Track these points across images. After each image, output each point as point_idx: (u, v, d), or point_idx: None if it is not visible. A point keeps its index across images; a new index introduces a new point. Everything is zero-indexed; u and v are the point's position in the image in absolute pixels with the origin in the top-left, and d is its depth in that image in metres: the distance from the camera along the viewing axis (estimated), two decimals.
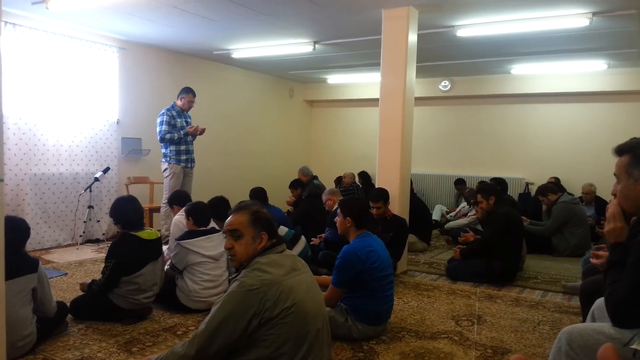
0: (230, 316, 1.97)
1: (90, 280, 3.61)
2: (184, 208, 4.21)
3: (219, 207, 4.19)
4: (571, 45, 6.37)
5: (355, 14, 5.27)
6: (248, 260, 2.16)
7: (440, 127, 9.44)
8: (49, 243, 5.98)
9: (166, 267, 3.81)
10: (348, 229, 3.29)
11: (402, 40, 4.95)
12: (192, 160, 6.06)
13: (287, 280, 2.08)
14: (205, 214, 3.94)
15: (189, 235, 3.75)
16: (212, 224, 3.99)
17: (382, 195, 4.82)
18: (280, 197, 7.84)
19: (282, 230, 4.49)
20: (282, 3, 5.00)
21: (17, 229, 2.90)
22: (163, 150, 5.93)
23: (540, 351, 3.12)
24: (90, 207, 6.05)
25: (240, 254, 2.19)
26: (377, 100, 5.18)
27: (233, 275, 2.17)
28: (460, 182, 8.63)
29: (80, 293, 3.73)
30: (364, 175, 8.90)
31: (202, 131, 5.94)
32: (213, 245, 3.72)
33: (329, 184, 8.38)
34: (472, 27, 5.51)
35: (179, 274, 3.74)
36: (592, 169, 7.70)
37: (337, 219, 3.34)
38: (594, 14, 4.94)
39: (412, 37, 5.04)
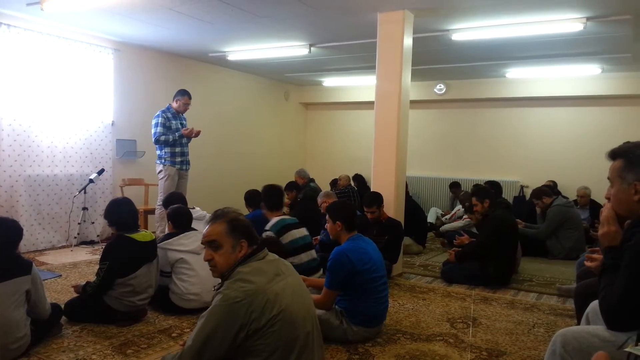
0: (216, 331, 1.94)
1: (84, 282, 3.59)
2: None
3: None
4: (565, 49, 6.41)
5: (350, 17, 5.29)
6: (229, 270, 2.11)
7: (436, 130, 9.47)
8: (43, 244, 5.95)
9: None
10: (339, 233, 3.31)
11: (398, 44, 4.97)
12: (187, 162, 6.05)
13: (271, 287, 2.03)
14: (185, 219, 3.95)
15: (166, 237, 3.80)
16: (194, 226, 4.01)
17: (376, 199, 4.84)
18: None
19: (298, 233, 4.27)
20: (278, 6, 5.01)
21: (9, 230, 2.88)
22: (158, 152, 5.91)
23: (535, 354, 3.13)
24: (84, 208, 6.02)
25: (220, 264, 2.14)
26: (372, 103, 5.19)
27: (216, 287, 2.12)
28: (455, 186, 8.65)
29: (75, 295, 3.71)
30: (358, 178, 8.91)
31: (197, 133, 5.93)
32: (191, 240, 3.74)
33: (324, 187, 8.38)
34: (467, 31, 5.54)
35: (169, 277, 3.74)
36: (586, 172, 7.74)
37: (327, 225, 3.37)
38: (587, 18, 4.98)
39: (408, 41, 5.05)
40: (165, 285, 3.75)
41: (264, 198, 4.40)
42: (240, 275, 2.04)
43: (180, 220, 3.88)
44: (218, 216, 2.21)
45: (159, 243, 3.76)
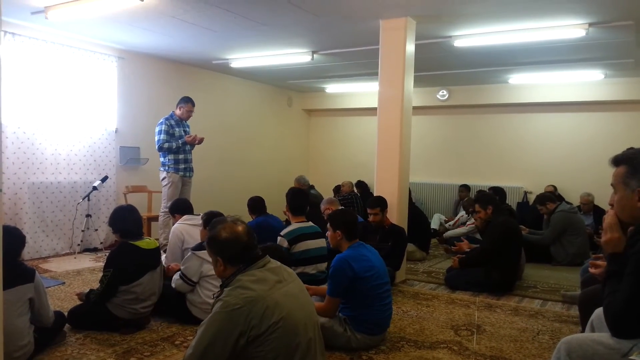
0: (217, 338, 1.95)
1: (88, 290, 3.59)
2: (195, 217, 4.11)
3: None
4: (568, 55, 6.41)
5: (353, 24, 5.30)
6: (228, 278, 2.13)
7: (439, 136, 9.47)
8: (46, 252, 5.96)
9: (175, 281, 3.68)
10: (339, 242, 3.29)
11: (400, 50, 4.98)
12: (191, 170, 6.06)
13: (272, 294, 2.04)
14: None
15: (202, 246, 3.67)
16: None
17: (380, 202, 4.85)
18: (279, 206, 7.83)
19: (315, 244, 4.27)
20: (281, 13, 5.03)
21: (12, 238, 2.86)
22: (161, 159, 5.93)
23: None
24: (88, 215, 6.03)
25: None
26: (375, 109, 5.20)
27: (216, 295, 2.13)
28: (464, 188, 8.60)
29: (78, 302, 3.71)
30: (361, 185, 8.90)
31: (201, 140, 5.95)
32: None
33: (327, 193, 8.38)
34: (469, 37, 5.55)
35: (192, 286, 3.62)
36: (589, 178, 7.72)
37: (328, 233, 3.35)
38: (590, 24, 4.98)
39: (410, 47, 5.07)
40: (181, 293, 3.66)
41: (288, 201, 4.42)
42: (240, 282, 2.05)
43: None
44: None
45: (194, 250, 3.65)
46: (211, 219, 3.81)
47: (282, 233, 4.15)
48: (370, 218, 4.87)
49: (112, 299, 3.40)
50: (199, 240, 3.93)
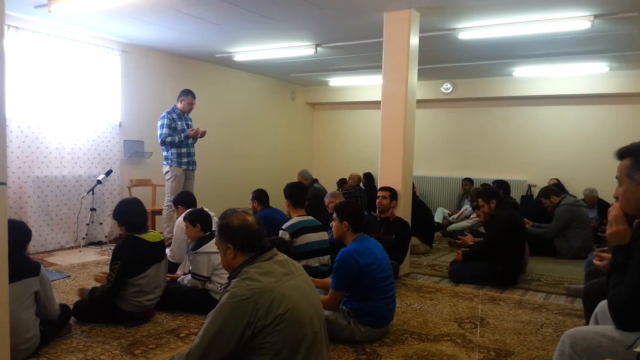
0: (223, 328, 1.97)
1: (90, 288, 3.57)
2: (186, 215, 4.16)
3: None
4: (573, 47, 6.37)
5: (356, 16, 5.28)
6: (235, 269, 2.15)
7: (442, 130, 9.45)
8: (51, 245, 5.99)
9: (188, 282, 3.79)
10: (345, 233, 3.30)
11: (404, 43, 4.96)
12: (194, 163, 6.07)
13: (279, 286, 2.05)
14: (210, 220, 3.95)
15: (201, 241, 3.74)
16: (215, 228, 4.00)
17: (391, 188, 4.93)
18: (282, 200, 7.84)
19: (317, 236, 4.28)
20: (284, 6, 5.02)
21: (18, 232, 2.87)
22: (164, 153, 5.93)
23: (543, 354, 3.12)
24: (92, 209, 6.06)
25: (222, 265, 2.30)
26: (379, 102, 5.19)
27: (223, 286, 2.15)
28: (467, 181, 8.60)
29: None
30: (368, 177, 8.90)
31: (203, 134, 5.95)
32: None
33: (331, 187, 8.39)
34: (473, 29, 5.52)
35: (207, 281, 3.71)
36: (594, 171, 7.70)
37: (334, 224, 3.36)
38: (595, 16, 4.94)
39: (414, 40, 5.04)
40: (204, 289, 3.73)
41: (288, 195, 4.44)
42: (247, 274, 2.08)
43: (206, 222, 3.89)
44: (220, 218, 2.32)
45: (193, 250, 3.74)
46: (195, 217, 3.88)
47: (283, 226, 4.18)
48: (378, 200, 4.93)
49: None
50: None
